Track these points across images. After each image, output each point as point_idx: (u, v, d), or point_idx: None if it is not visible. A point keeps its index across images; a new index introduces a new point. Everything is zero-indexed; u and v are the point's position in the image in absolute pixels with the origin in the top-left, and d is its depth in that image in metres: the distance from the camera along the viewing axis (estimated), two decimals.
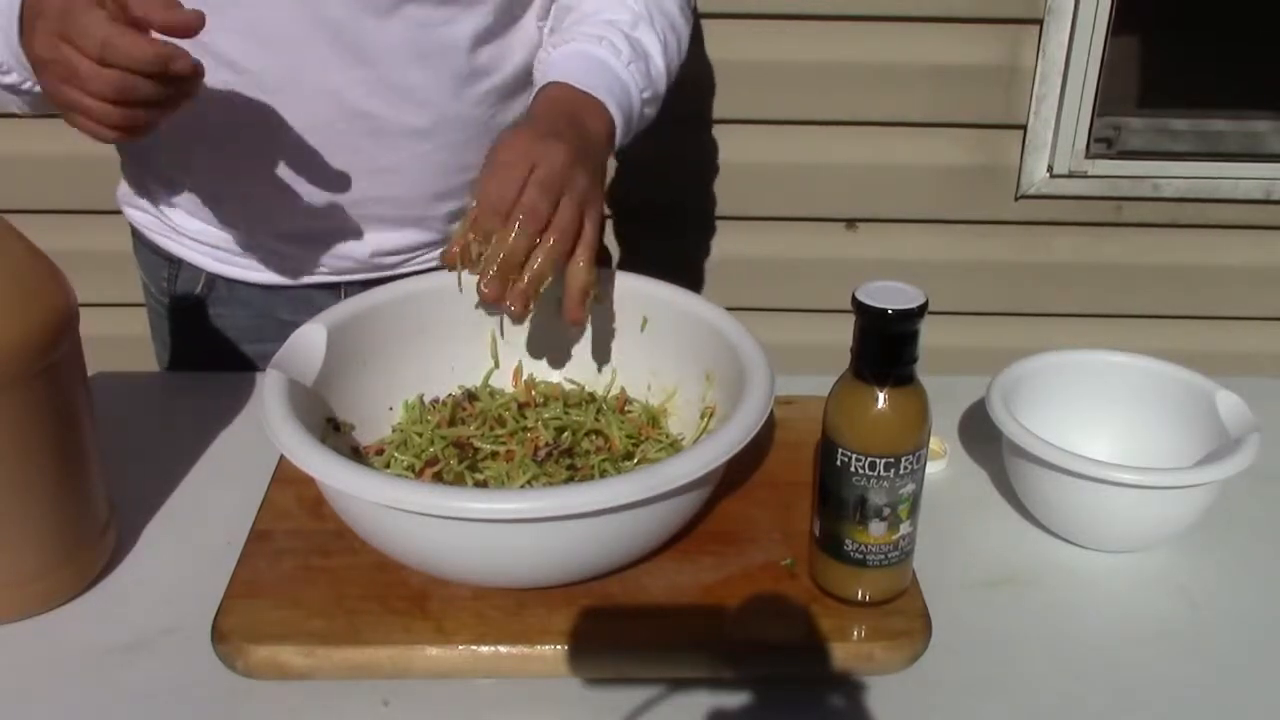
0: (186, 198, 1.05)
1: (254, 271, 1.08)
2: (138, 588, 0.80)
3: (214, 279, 1.09)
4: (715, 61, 1.66)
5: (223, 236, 1.06)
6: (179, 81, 0.76)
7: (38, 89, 0.83)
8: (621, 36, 0.95)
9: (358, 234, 1.05)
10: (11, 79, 0.85)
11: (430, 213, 1.05)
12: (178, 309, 1.12)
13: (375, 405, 0.88)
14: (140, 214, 1.10)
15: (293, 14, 0.92)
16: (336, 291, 1.08)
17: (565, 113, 0.87)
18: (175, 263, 1.10)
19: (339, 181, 1.01)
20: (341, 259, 1.06)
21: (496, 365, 0.94)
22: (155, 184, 1.07)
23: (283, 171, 1.00)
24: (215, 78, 0.93)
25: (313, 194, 1.01)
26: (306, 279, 1.07)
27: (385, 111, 0.98)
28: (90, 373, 0.80)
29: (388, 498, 0.67)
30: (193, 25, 0.74)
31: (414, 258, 1.08)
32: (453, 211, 1.06)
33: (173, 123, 0.84)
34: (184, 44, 0.87)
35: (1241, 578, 0.83)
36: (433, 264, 1.07)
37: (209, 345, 1.12)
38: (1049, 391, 0.90)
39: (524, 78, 1.04)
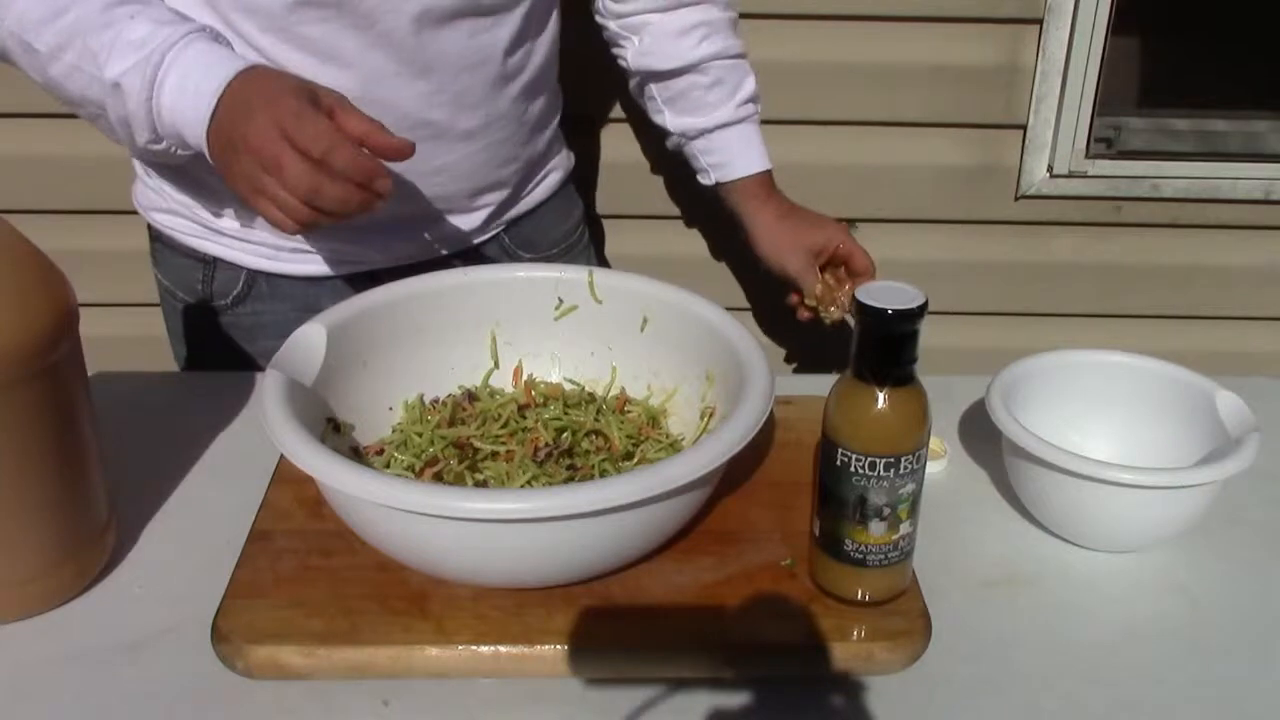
0: (229, 199, 1.06)
1: (298, 265, 1.09)
2: (138, 588, 0.80)
3: (254, 276, 1.10)
4: None
5: (267, 234, 1.07)
6: (369, 198, 0.83)
7: (180, 154, 0.91)
8: (747, 91, 1.20)
9: (406, 228, 1.09)
10: (160, 146, 0.91)
11: (471, 204, 1.11)
12: (212, 310, 1.12)
13: (375, 405, 0.88)
14: (169, 217, 1.10)
15: (356, 34, 0.96)
16: (379, 280, 1.08)
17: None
18: (210, 263, 1.10)
19: (395, 183, 1.03)
20: (387, 251, 1.09)
21: (496, 365, 0.94)
22: (192, 188, 1.07)
23: None
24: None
25: None
26: (353, 268, 1.10)
27: (442, 117, 1.02)
28: (90, 373, 0.80)
29: (388, 498, 0.67)
30: (405, 152, 0.84)
31: (454, 246, 1.13)
32: (488, 201, 1.12)
33: None
34: (251, 54, 0.97)
35: (1241, 578, 0.83)
36: (464, 248, 1.14)
37: (246, 344, 1.12)
38: (1049, 391, 0.90)
39: (544, 76, 1.12)
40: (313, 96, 0.84)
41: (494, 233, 1.16)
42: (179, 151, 0.91)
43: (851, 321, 1.07)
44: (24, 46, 0.90)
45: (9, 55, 0.93)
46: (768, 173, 1.22)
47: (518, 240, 1.18)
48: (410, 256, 1.11)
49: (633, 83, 1.23)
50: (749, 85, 1.20)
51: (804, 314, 1.21)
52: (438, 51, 0.99)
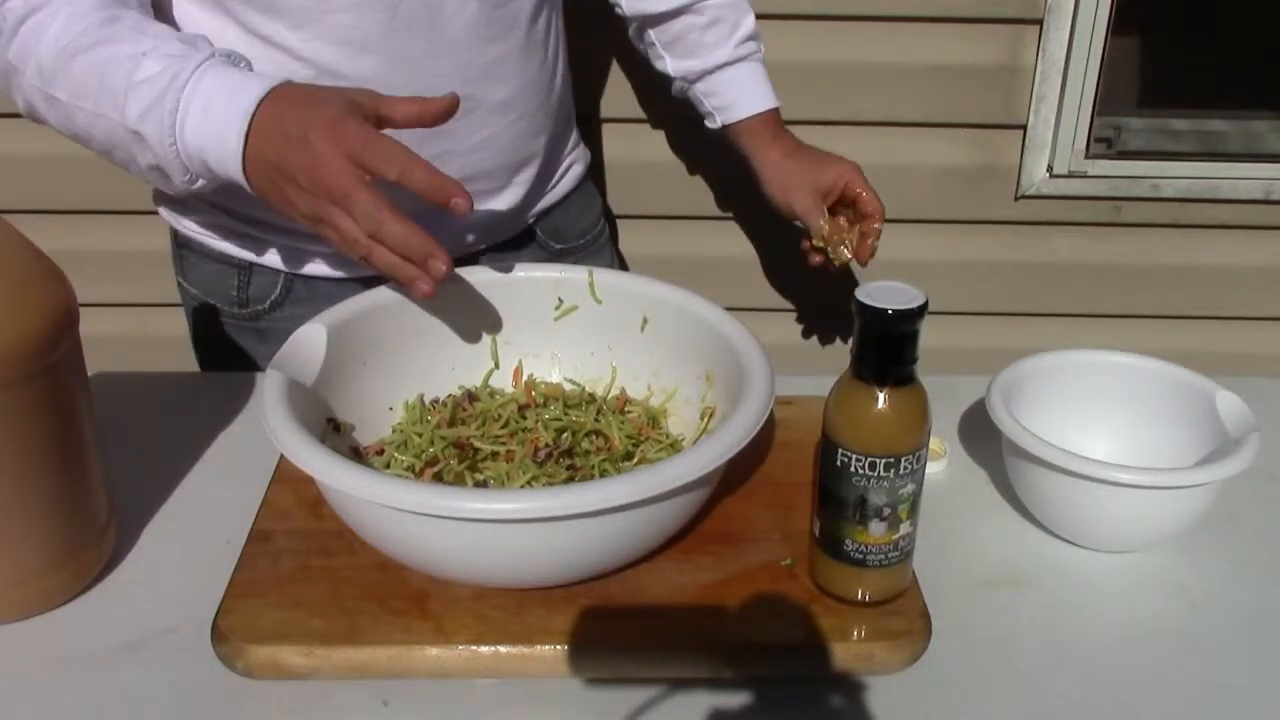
0: (258, 216, 1.05)
1: (338, 266, 1.09)
2: (138, 588, 0.80)
3: (292, 279, 1.09)
4: None
5: (308, 237, 1.06)
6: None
7: (217, 187, 0.89)
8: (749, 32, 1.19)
9: (448, 214, 1.07)
10: (199, 185, 0.88)
11: (509, 182, 1.11)
12: (247, 316, 1.11)
13: (375, 405, 0.88)
14: (203, 223, 1.09)
15: (382, 17, 0.96)
16: None
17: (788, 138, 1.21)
18: (246, 268, 1.09)
19: (437, 164, 1.02)
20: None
21: (496, 365, 0.94)
22: (227, 192, 1.06)
23: None
24: (316, 84, 0.96)
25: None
26: None
27: (474, 91, 1.02)
28: (90, 373, 0.80)
29: (388, 498, 0.67)
30: (453, 106, 0.84)
31: (494, 236, 1.13)
32: (524, 179, 1.12)
33: None
34: (279, 55, 0.96)
35: (1241, 578, 0.83)
36: (503, 238, 1.15)
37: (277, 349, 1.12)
38: (1049, 391, 0.90)
39: (561, 46, 1.13)
40: (358, 108, 0.81)
41: (528, 224, 1.17)
42: (216, 186, 0.89)
43: (856, 264, 1.14)
44: (47, 99, 0.87)
45: (35, 112, 0.89)
46: (774, 111, 1.20)
47: (548, 232, 1.19)
48: (451, 249, 1.10)
49: (631, 29, 1.22)
50: (748, 23, 1.18)
51: (814, 258, 1.18)
52: (461, 25, 0.99)
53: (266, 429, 0.73)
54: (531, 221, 1.17)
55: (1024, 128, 1.67)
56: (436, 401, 0.91)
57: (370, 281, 1.08)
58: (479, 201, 1.09)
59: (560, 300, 0.93)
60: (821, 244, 1.17)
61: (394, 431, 0.88)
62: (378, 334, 0.88)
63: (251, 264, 1.09)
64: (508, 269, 0.96)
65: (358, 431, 0.86)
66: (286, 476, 0.85)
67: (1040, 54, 1.62)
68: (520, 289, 0.94)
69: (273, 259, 1.08)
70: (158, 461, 0.92)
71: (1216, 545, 0.85)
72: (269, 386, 0.76)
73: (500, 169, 1.09)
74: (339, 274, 1.09)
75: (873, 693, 0.72)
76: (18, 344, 0.70)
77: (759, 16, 1.20)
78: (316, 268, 1.08)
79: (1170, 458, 0.86)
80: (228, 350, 1.14)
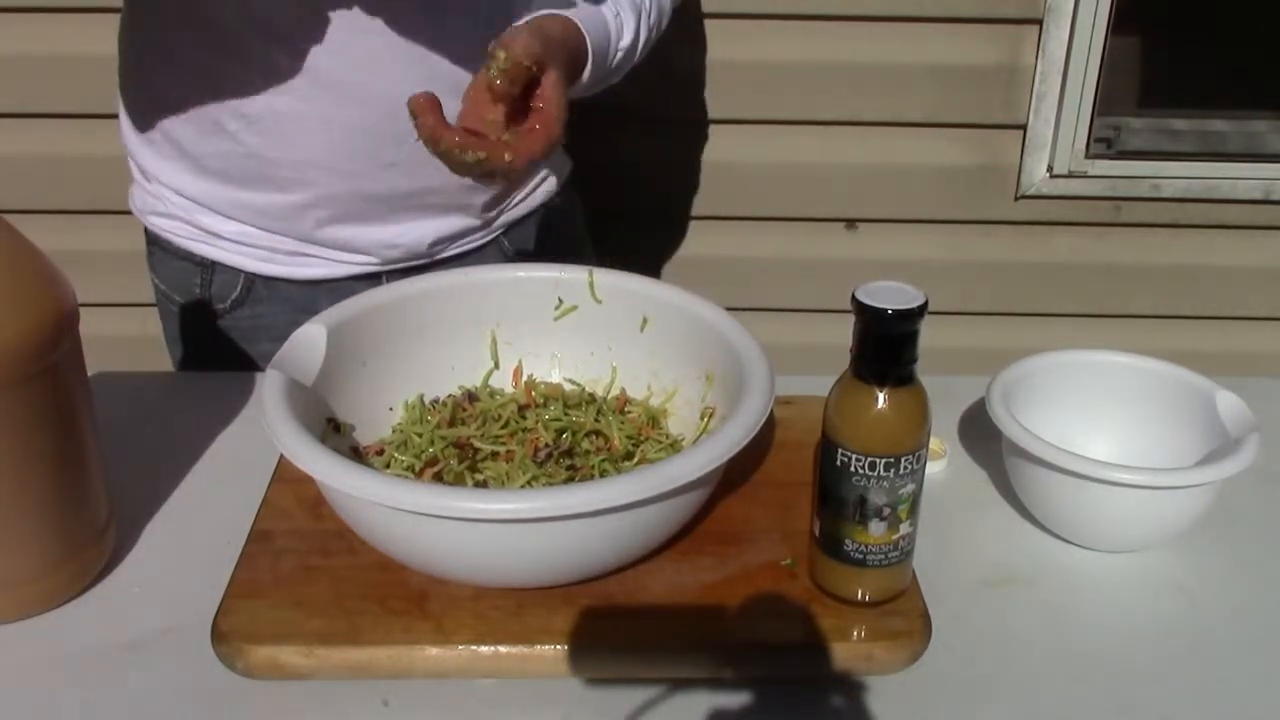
0: (228, 200, 1.06)
1: (298, 268, 1.09)
2: (138, 588, 0.80)
3: (253, 279, 1.10)
4: (715, 61, 1.66)
5: (266, 235, 1.07)
6: None
7: None
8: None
9: (407, 222, 1.09)
10: None
11: (471, 200, 1.10)
12: (210, 314, 1.12)
13: (375, 405, 0.88)
14: (166, 221, 1.10)
15: (362, 18, 0.95)
16: (378, 281, 1.10)
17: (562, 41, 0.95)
18: (209, 267, 1.10)
19: (395, 172, 1.04)
20: (389, 248, 1.09)
21: (496, 365, 0.94)
22: (191, 190, 1.07)
23: (342, 167, 1.02)
24: (286, 76, 0.97)
25: (370, 185, 1.04)
26: (351, 270, 1.10)
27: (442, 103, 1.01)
28: (90, 373, 0.80)
29: (388, 498, 0.67)
30: None
31: (455, 244, 1.13)
32: (477, 200, 1.11)
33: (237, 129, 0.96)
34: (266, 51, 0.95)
35: (1241, 578, 0.83)
36: (467, 248, 1.14)
37: (245, 347, 1.12)
38: (1049, 391, 0.90)
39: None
40: None
41: (493, 235, 1.16)
42: None
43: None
44: None
45: None
46: (579, 33, 0.98)
47: (516, 244, 1.18)
48: (411, 254, 1.11)
49: None
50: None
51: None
52: (440, 38, 0.98)
53: (266, 429, 0.73)
54: (500, 233, 1.17)
55: (1024, 128, 1.67)
56: (436, 401, 0.91)
57: (330, 282, 1.10)
58: (431, 215, 1.09)
59: (560, 300, 0.93)
60: (494, 69, 0.85)
61: (394, 431, 0.88)
62: (378, 334, 0.88)
63: (214, 263, 1.10)
64: (508, 269, 0.96)
65: (358, 431, 0.86)
66: (286, 476, 0.85)
67: (1040, 54, 1.62)
68: (520, 289, 0.94)
69: (233, 259, 1.09)
70: (158, 461, 0.92)
71: (1216, 545, 0.85)
72: (269, 386, 0.76)
73: (460, 186, 1.06)
74: (299, 276, 1.10)
75: (873, 693, 0.72)
76: (18, 344, 0.70)
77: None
78: (276, 269, 1.09)
79: (1170, 458, 0.86)
80: (197, 347, 1.15)
